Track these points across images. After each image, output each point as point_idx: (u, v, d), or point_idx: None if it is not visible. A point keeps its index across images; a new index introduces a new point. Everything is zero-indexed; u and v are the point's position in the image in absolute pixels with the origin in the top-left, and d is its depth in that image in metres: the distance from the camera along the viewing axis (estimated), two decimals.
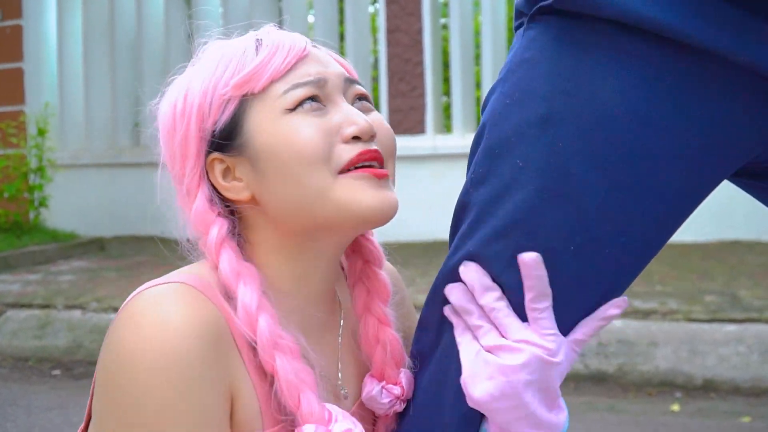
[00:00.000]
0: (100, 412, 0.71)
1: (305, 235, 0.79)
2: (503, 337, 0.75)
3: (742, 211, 4.97)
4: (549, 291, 0.75)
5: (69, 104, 6.90)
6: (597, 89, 0.74)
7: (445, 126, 6.84)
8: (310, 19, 6.96)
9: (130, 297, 0.74)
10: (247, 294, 0.74)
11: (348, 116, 0.77)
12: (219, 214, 0.79)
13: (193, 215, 0.78)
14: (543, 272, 0.75)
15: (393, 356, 0.84)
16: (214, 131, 0.78)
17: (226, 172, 0.79)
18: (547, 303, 0.75)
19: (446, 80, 6.68)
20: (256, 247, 0.80)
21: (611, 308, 0.77)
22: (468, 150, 0.86)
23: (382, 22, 6.12)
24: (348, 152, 0.76)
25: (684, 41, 0.72)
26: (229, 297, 0.75)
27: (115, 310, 3.74)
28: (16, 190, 6.11)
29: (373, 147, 0.78)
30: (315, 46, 0.83)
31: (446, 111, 7.28)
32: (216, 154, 0.79)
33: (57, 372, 3.51)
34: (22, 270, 5.08)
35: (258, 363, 0.74)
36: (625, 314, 3.28)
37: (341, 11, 6.79)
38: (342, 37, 6.93)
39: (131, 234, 6.43)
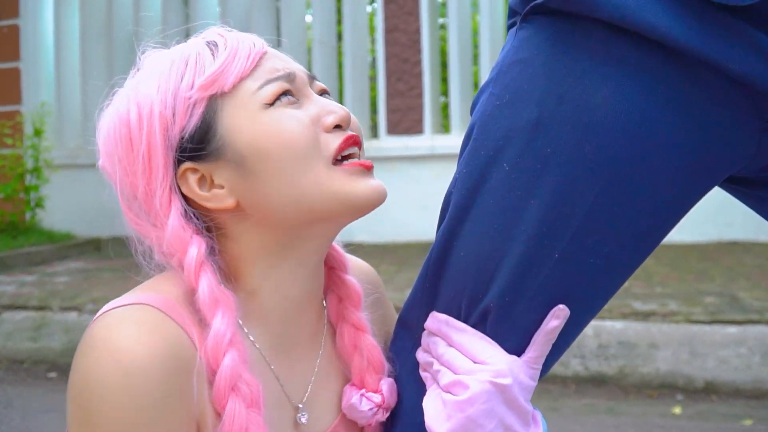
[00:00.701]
0: None
1: (293, 233, 0.76)
2: (456, 373, 0.75)
3: (740, 212, 4.95)
4: (460, 325, 0.77)
5: (66, 104, 6.88)
6: (589, 95, 0.72)
7: (443, 126, 6.82)
8: (308, 18, 6.95)
9: (96, 317, 0.71)
10: (223, 325, 0.71)
11: (324, 106, 0.77)
12: (195, 231, 0.75)
13: (169, 234, 0.74)
14: (443, 318, 0.78)
15: (371, 363, 0.82)
16: (182, 139, 0.74)
17: (202, 182, 0.75)
18: (465, 334, 0.76)
19: (444, 80, 6.67)
20: (238, 259, 0.77)
21: (552, 320, 0.75)
22: None
23: (380, 22, 6.11)
24: (334, 140, 0.75)
25: (678, 49, 0.70)
26: (201, 316, 0.73)
27: None
28: (12, 190, 6.09)
29: (353, 133, 0.78)
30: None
31: (444, 111, 7.27)
32: (188, 164, 0.74)
33: (52, 374, 3.49)
34: (18, 271, 5.06)
35: None
36: (625, 316, 3.26)
37: (339, 11, 6.78)
38: (340, 37, 6.92)
39: (128, 234, 6.40)
